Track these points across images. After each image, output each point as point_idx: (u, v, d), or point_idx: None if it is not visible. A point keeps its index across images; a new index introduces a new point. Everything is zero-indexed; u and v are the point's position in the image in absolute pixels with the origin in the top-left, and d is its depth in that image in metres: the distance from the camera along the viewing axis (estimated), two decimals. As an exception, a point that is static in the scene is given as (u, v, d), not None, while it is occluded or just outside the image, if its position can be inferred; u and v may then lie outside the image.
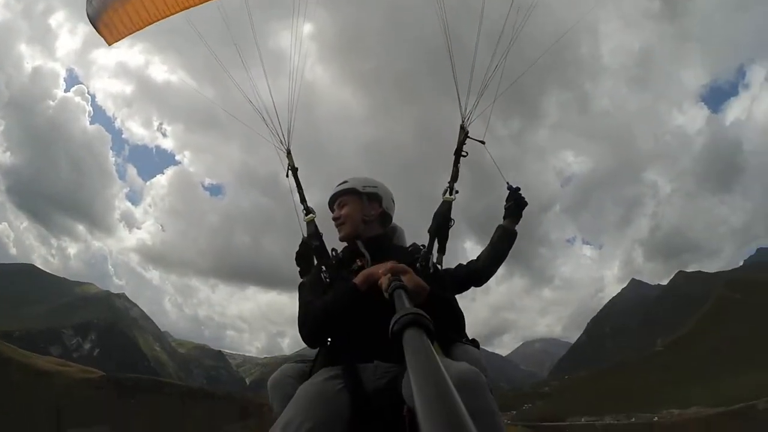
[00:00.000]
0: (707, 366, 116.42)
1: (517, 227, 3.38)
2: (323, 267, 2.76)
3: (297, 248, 3.23)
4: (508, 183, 3.41)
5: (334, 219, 2.84)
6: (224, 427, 74.97)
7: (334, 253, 2.97)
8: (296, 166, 3.42)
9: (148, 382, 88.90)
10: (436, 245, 2.96)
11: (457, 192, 3.13)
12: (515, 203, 3.37)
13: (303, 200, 3.28)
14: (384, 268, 2.10)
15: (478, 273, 3.35)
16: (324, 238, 3.14)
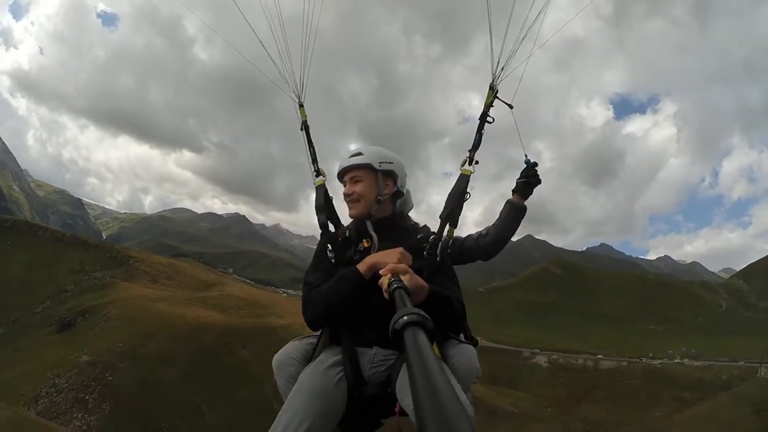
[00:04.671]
0: (506, 313, 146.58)
1: (526, 203, 3.07)
2: (329, 246, 2.65)
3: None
4: (526, 156, 3.04)
5: (346, 195, 2.70)
6: (94, 273, 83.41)
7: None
8: (308, 123, 3.13)
9: (23, 225, 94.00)
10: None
11: (477, 162, 2.82)
12: (527, 181, 3.04)
13: (314, 160, 3.02)
14: (386, 262, 2.19)
15: (485, 251, 3.13)
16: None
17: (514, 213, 3.07)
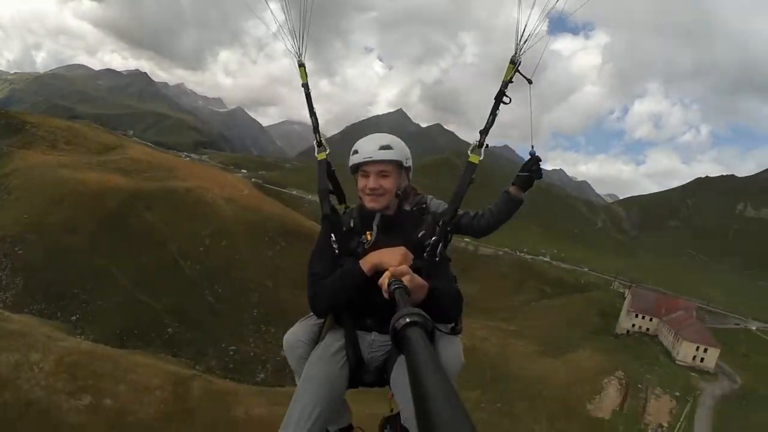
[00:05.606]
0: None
1: (524, 195, 3.05)
2: (333, 235, 2.64)
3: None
4: (533, 147, 2.94)
5: (372, 188, 2.60)
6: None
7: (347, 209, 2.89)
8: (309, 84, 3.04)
9: None
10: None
11: (486, 146, 2.74)
12: (529, 176, 2.99)
13: (315, 129, 2.96)
14: (388, 263, 2.28)
15: (479, 231, 3.15)
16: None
17: (511, 204, 3.08)
